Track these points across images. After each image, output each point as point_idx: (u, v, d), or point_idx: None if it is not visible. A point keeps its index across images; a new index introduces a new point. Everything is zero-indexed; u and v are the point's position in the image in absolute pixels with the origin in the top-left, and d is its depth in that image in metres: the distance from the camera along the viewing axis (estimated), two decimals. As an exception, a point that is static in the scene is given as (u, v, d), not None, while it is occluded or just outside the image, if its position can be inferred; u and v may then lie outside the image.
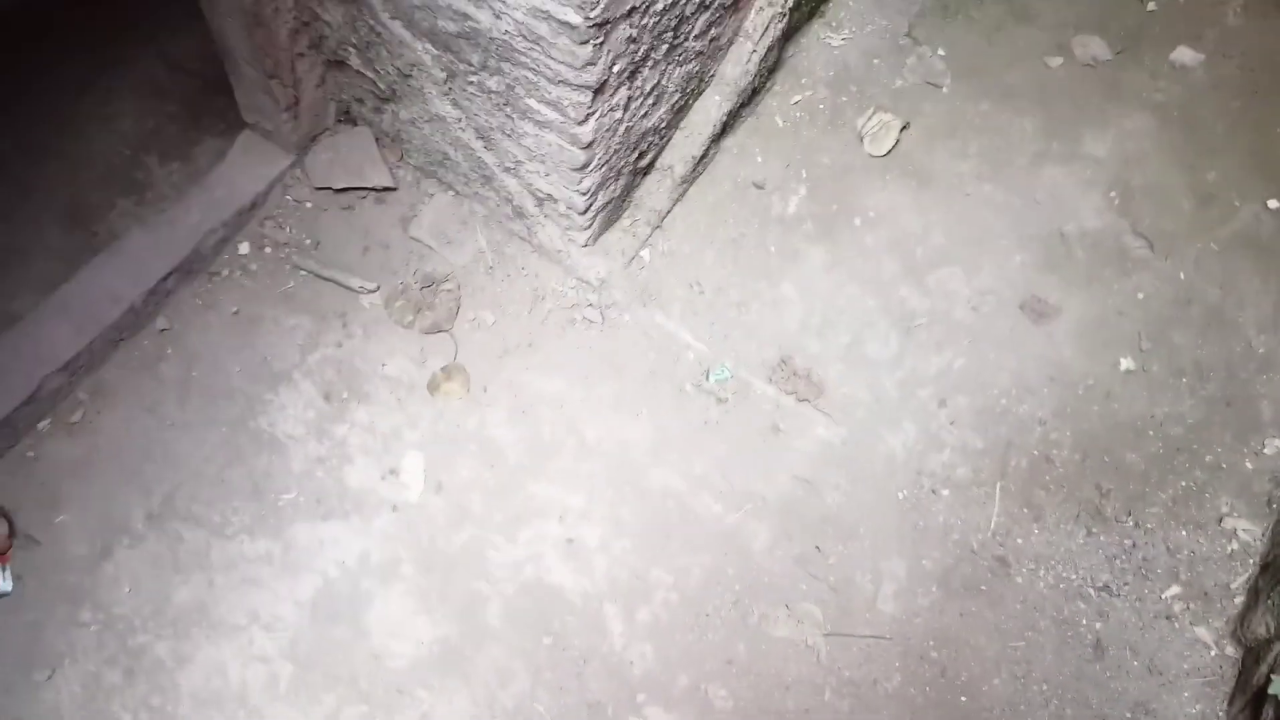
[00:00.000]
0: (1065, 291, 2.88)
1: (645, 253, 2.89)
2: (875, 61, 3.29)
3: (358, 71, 2.71)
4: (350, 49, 2.65)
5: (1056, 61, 3.31)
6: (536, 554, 2.46)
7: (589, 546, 2.48)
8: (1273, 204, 3.03)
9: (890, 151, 3.10)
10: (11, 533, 2.30)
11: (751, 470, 2.59)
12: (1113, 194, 3.05)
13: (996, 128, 3.16)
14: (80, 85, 2.89)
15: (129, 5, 2.97)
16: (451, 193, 2.92)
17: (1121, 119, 3.18)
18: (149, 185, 2.83)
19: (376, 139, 2.92)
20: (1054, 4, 3.43)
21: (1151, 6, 3.38)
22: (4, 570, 2.27)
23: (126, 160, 2.86)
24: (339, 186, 2.87)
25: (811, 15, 3.32)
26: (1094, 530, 2.56)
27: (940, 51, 3.33)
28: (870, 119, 3.15)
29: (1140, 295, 2.89)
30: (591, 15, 2.01)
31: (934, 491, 2.59)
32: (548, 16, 2.06)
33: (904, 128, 3.14)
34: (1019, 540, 2.54)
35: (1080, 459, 2.65)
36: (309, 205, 2.86)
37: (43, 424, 2.45)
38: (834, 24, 3.36)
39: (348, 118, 2.93)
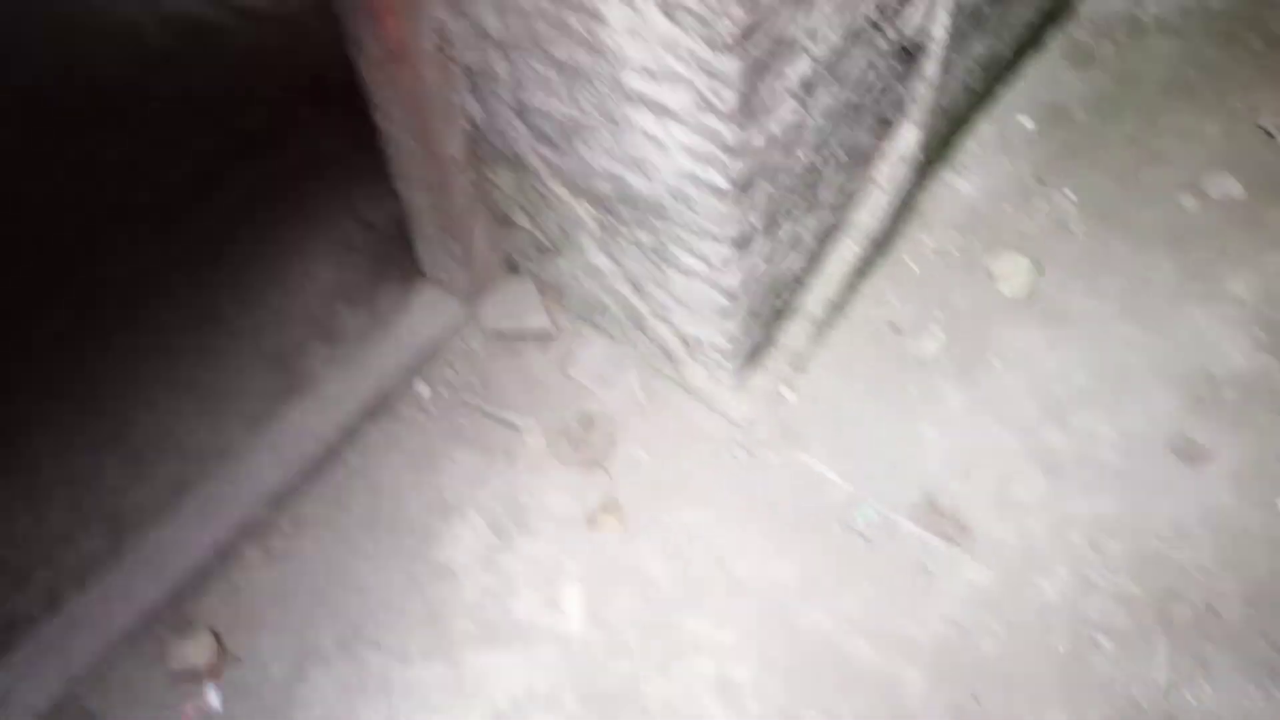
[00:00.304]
0: (1217, 434, 2.85)
1: (787, 392, 3.03)
2: (1004, 205, 3.42)
3: (523, 228, 3.02)
4: (517, 208, 2.96)
5: (1189, 201, 3.37)
6: (691, 691, 2.53)
7: (741, 685, 2.54)
8: None
9: (1025, 293, 3.19)
10: (220, 653, 2.54)
11: (901, 612, 2.62)
12: (1260, 333, 3.03)
13: (1132, 268, 3.22)
14: (291, 245, 3.32)
15: (334, 177, 3.43)
16: (606, 336, 3.16)
17: (1262, 257, 3.19)
18: (340, 331, 3.18)
19: (538, 288, 3.21)
20: (1184, 144, 3.50)
21: (1284, 144, 3.42)
22: (215, 689, 2.49)
23: (321, 308, 3.23)
24: (505, 332, 3.15)
25: (939, 162, 3.50)
26: (1270, 688, 2.45)
27: (1069, 194, 3.43)
28: (1002, 261, 3.26)
29: (1299, 439, 2.83)
30: (735, 178, 2.24)
31: (1093, 641, 2.54)
32: (695, 179, 2.30)
33: (1037, 269, 3.23)
34: (1188, 696, 2.45)
35: (1248, 609, 2.57)
36: (478, 350, 3.14)
37: (249, 551, 2.72)
38: (960, 169, 3.53)
39: (513, 268, 3.24)
